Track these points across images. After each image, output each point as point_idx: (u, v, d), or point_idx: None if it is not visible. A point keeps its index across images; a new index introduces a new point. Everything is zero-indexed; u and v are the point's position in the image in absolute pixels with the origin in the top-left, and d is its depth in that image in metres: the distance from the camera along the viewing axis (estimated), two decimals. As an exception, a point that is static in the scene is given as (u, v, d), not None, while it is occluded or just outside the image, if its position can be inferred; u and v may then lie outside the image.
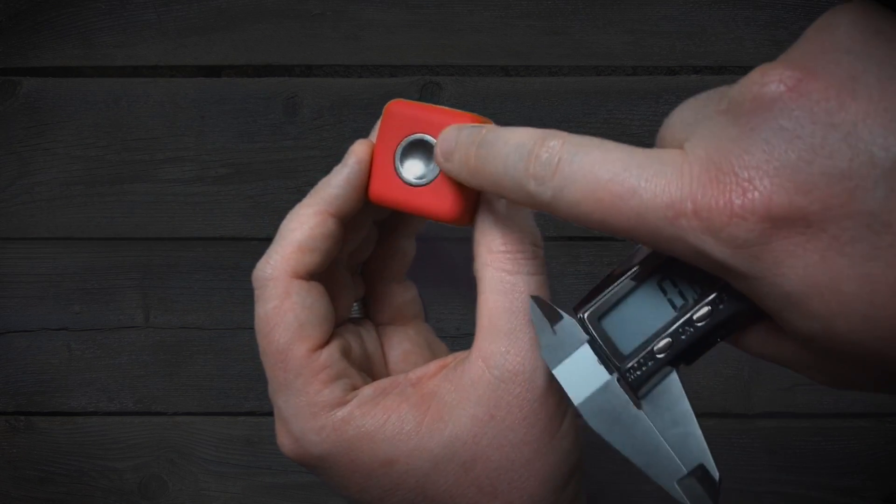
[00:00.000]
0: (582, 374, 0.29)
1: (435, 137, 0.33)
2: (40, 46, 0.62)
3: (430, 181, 0.33)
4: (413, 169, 0.33)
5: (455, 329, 0.61)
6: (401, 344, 0.39)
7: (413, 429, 0.32)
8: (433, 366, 0.35)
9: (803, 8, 0.60)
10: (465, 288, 0.60)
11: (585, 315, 0.31)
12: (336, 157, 0.35)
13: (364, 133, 0.37)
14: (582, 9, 0.61)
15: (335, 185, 0.34)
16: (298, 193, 0.63)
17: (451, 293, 0.61)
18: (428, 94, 0.62)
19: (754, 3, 0.60)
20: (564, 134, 0.28)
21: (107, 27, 0.62)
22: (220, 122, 0.62)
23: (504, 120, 0.61)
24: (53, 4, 0.62)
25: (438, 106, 0.33)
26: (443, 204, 0.33)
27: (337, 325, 0.36)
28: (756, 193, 0.23)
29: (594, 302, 0.31)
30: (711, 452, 0.29)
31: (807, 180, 0.23)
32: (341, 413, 0.33)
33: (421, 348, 0.40)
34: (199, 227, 0.62)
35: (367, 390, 0.34)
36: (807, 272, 0.23)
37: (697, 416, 0.29)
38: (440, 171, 0.33)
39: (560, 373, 0.29)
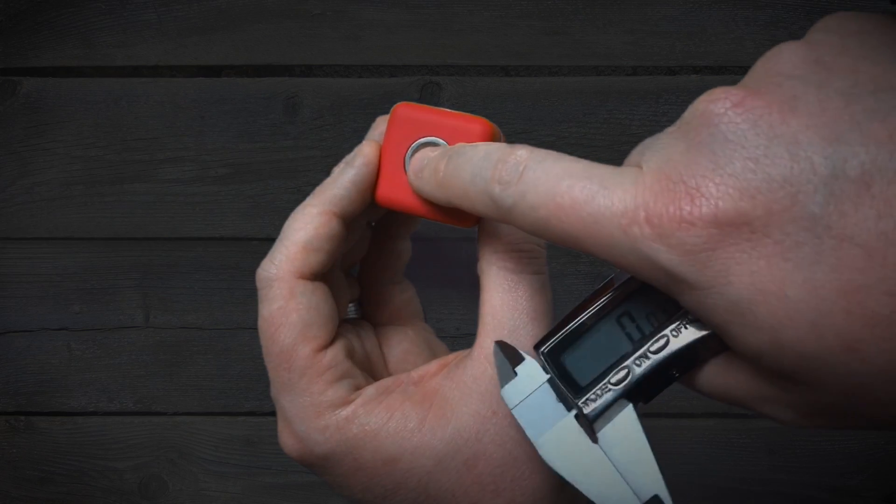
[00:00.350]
0: (541, 413, 0.30)
1: (446, 141, 0.33)
2: (40, 46, 0.62)
3: None
4: None
5: (455, 329, 0.61)
6: (400, 344, 0.39)
7: (416, 426, 0.32)
8: (435, 364, 0.35)
9: (803, 8, 0.60)
10: (465, 288, 0.60)
11: (545, 351, 0.31)
12: (336, 157, 0.35)
13: (364, 133, 0.37)
14: (582, 9, 0.61)
15: (341, 186, 0.34)
16: (298, 193, 0.63)
17: (451, 293, 0.61)
18: (428, 94, 0.62)
19: (754, 3, 0.61)
20: (532, 147, 0.29)
21: (107, 27, 0.62)
22: (220, 122, 0.62)
23: (504, 120, 0.61)
24: (53, 4, 0.62)
25: (446, 109, 0.33)
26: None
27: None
28: (703, 200, 0.24)
29: (555, 338, 0.31)
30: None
31: (751, 186, 0.24)
32: (345, 412, 0.33)
33: (420, 348, 0.40)
34: (199, 227, 0.62)
35: (371, 389, 0.34)
36: (753, 279, 0.24)
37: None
38: None
39: (519, 412, 0.30)
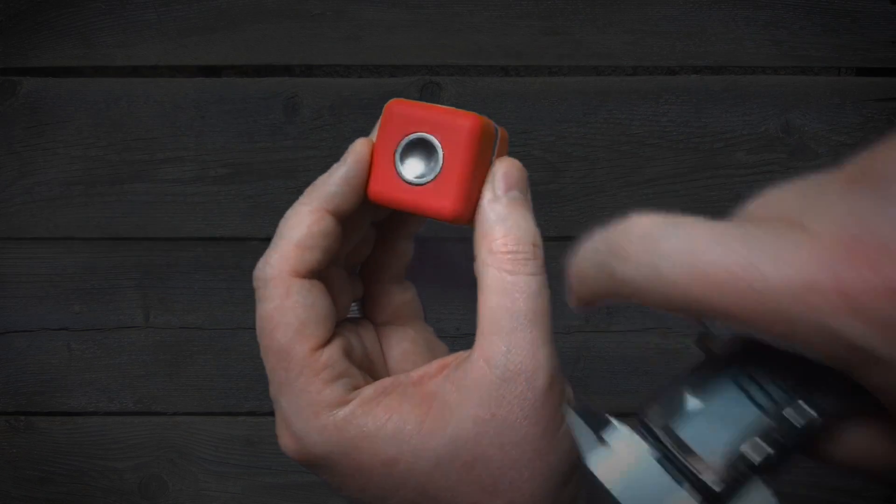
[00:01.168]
0: (647, 491, 0.25)
1: (436, 136, 0.33)
2: (40, 46, 0.62)
3: (431, 180, 0.33)
4: (413, 168, 0.33)
5: (455, 329, 0.61)
6: (400, 344, 0.39)
7: (414, 428, 0.32)
8: (434, 365, 0.35)
9: (803, 8, 0.60)
10: (465, 288, 0.60)
11: (650, 417, 0.26)
12: (336, 158, 0.35)
13: (364, 133, 0.37)
14: (582, 9, 0.61)
15: (332, 183, 0.34)
16: (298, 193, 0.62)
17: (451, 293, 0.61)
18: (428, 94, 0.62)
19: (754, 3, 0.60)
20: (651, 214, 0.25)
21: (107, 27, 0.62)
22: (220, 122, 0.62)
23: (504, 120, 0.61)
24: (53, 4, 0.62)
25: (439, 105, 0.33)
26: (443, 202, 0.33)
27: (336, 325, 0.36)
28: None
29: (661, 402, 0.26)
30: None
31: None
32: (343, 412, 0.33)
33: (420, 348, 0.39)
34: (199, 227, 0.62)
35: (369, 390, 0.34)
36: None
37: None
38: (440, 169, 0.33)
39: (624, 494, 0.25)
